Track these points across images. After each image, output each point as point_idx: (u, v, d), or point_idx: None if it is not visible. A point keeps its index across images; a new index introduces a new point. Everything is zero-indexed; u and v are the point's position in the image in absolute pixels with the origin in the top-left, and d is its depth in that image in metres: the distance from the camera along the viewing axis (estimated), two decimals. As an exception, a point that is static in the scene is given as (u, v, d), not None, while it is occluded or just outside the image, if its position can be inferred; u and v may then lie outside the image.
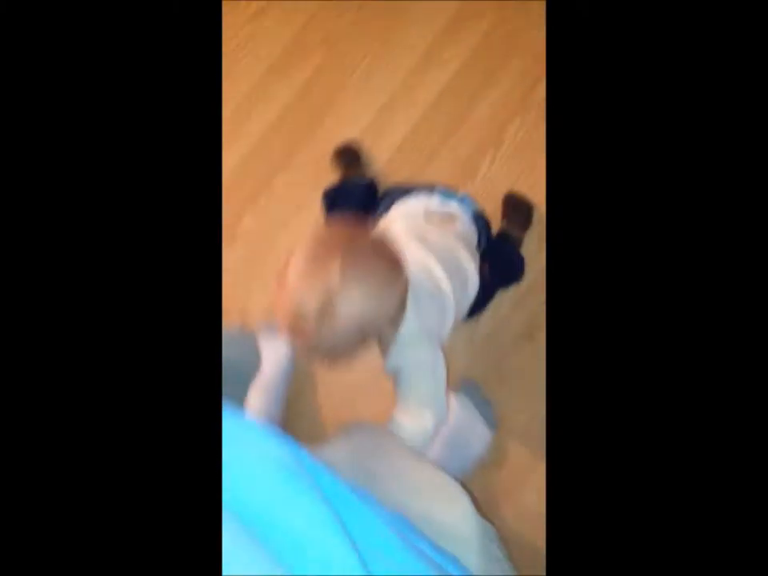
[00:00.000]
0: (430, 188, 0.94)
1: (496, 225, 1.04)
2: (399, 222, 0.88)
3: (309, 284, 0.69)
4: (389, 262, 0.74)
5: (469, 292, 0.88)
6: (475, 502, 0.67)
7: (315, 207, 1.06)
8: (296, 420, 1.04)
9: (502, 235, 1.03)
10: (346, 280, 0.68)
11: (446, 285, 0.82)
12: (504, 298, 1.04)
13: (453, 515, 0.64)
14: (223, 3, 1.13)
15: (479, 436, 0.98)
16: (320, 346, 0.73)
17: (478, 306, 0.92)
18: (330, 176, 1.09)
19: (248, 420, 0.55)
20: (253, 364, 1.04)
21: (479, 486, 0.92)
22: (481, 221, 0.96)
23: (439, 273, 0.82)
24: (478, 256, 0.91)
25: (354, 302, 0.69)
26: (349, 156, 1.10)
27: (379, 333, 0.78)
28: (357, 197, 1.02)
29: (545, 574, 0.46)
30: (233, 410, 0.51)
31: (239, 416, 0.53)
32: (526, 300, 1.06)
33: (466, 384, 1.02)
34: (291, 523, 0.46)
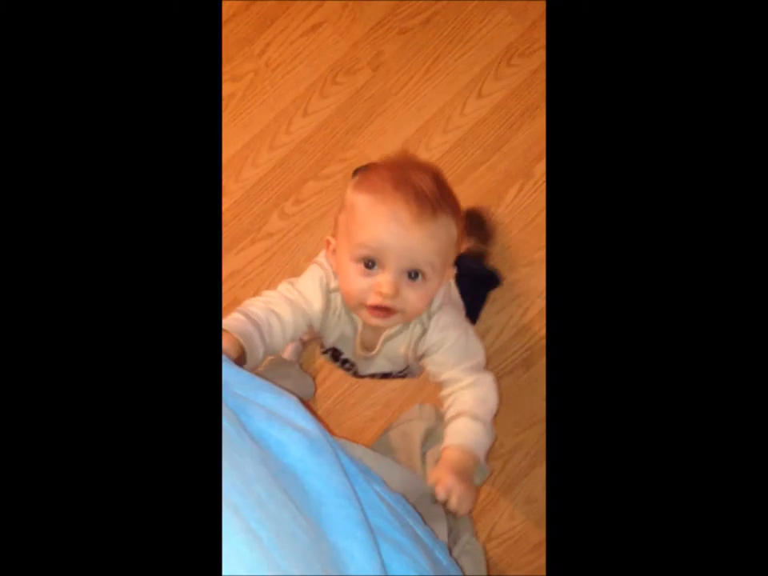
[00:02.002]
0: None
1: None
2: None
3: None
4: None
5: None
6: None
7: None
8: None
9: (468, 252, 1.07)
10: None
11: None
12: (506, 328, 1.09)
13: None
14: (279, 17, 1.22)
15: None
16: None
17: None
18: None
19: (283, 395, 0.57)
20: (306, 390, 1.09)
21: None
22: None
23: None
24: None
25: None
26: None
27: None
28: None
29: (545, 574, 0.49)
30: (271, 387, 0.55)
31: (276, 391, 0.56)
32: (528, 330, 1.10)
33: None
34: (313, 485, 0.48)
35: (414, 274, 0.73)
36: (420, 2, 1.22)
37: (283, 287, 0.80)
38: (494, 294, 1.10)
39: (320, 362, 1.12)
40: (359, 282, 0.73)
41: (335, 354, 0.88)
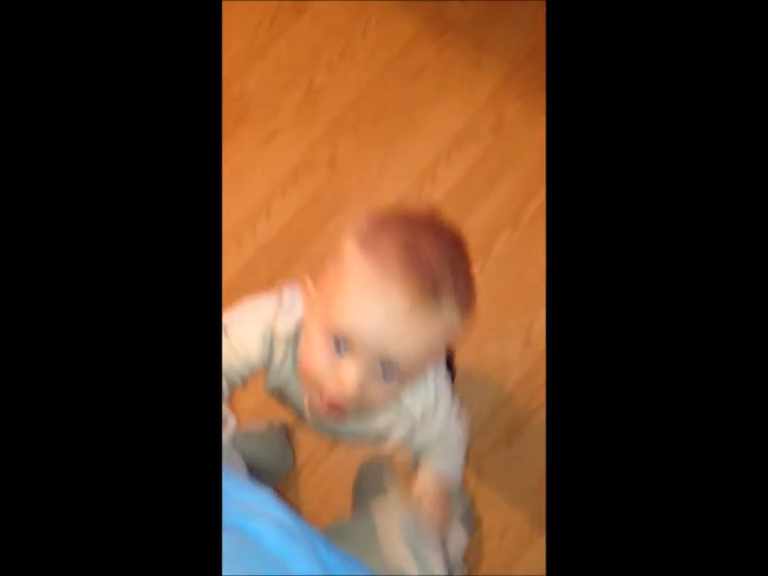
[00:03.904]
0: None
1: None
2: None
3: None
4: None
5: None
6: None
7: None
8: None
9: None
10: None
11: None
12: (484, 405, 1.10)
13: None
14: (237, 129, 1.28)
15: (456, 539, 1.01)
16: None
17: None
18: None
19: (252, 485, 0.55)
20: (285, 462, 1.08)
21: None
22: None
23: None
24: None
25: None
26: None
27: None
28: None
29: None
30: (239, 478, 0.53)
31: (245, 482, 0.54)
32: (506, 406, 1.11)
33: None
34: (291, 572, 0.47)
35: (387, 369, 0.59)
36: (370, 102, 1.29)
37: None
38: (469, 371, 1.12)
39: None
40: (321, 359, 0.60)
41: (281, 400, 0.76)
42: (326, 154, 1.27)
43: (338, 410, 0.61)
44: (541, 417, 1.10)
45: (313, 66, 1.29)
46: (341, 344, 0.59)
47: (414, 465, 0.74)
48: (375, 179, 1.25)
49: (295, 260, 1.21)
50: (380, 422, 0.71)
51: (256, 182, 1.26)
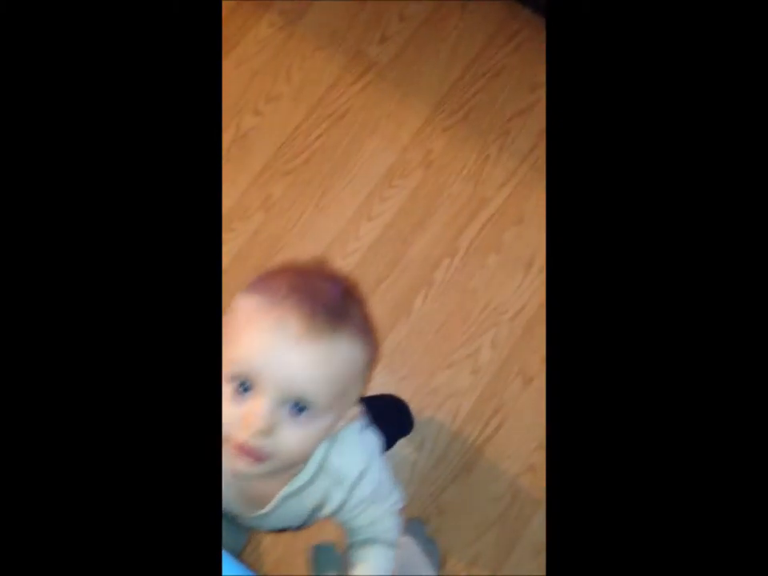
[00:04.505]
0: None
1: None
2: None
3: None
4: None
5: None
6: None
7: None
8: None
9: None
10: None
11: None
12: (439, 437, 1.09)
13: None
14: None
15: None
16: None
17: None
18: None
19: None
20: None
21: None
22: None
23: None
24: None
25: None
26: None
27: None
28: None
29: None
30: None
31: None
32: (462, 432, 1.11)
33: (411, 523, 1.04)
34: None
35: (297, 407, 0.56)
36: (299, 143, 1.29)
37: None
38: (420, 405, 1.11)
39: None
40: (227, 410, 0.56)
41: None
42: (260, 198, 1.26)
43: (253, 454, 0.56)
44: (496, 443, 1.10)
45: (239, 110, 1.29)
46: (245, 384, 0.56)
47: (349, 553, 0.70)
48: (311, 220, 1.25)
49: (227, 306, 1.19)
50: (311, 497, 0.66)
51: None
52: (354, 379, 0.60)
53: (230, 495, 0.65)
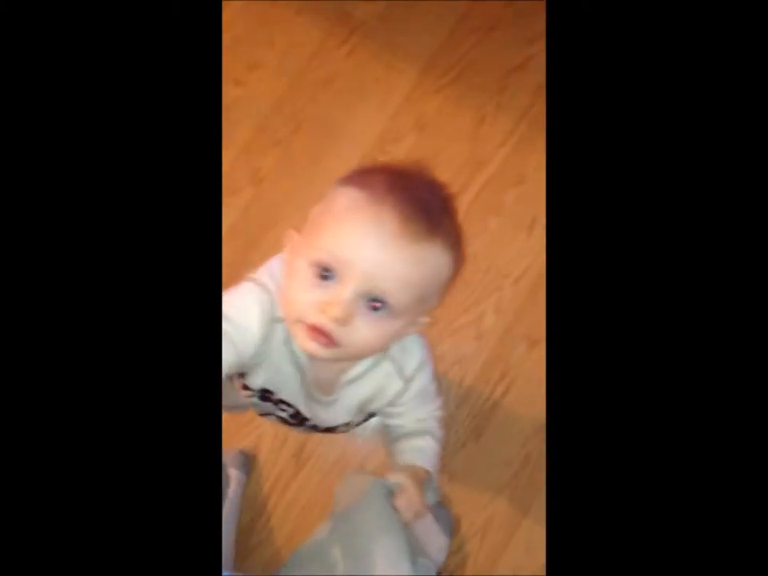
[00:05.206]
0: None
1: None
2: None
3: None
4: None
5: None
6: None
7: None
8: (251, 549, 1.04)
9: None
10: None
11: None
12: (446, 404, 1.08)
13: None
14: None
15: (438, 546, 0.99)
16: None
17: None
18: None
19: None
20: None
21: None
22: None
23: None
24: None
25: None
26: None
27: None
28: None
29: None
30: None
31: None
32: (469, 398, 1.10)
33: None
34: None
35: (375, 303, 0.58)
36: (286, 113, 1.25)
37: None
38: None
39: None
40: (306, 293, 0.58)
41: (265, 396, 0.70)
42: (249, 171, 1.22)
43: (324, 336, 0.58)
44: (504, 407, 1.09)
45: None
46: (326, 273, 0.57)
47: (390, 447, 0.74)
48: (303, 190, 1.22)
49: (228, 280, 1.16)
50: (371, 383, 0.68)
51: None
52: (435, 288, 0.61)
53: (288, 387, 0.67)
